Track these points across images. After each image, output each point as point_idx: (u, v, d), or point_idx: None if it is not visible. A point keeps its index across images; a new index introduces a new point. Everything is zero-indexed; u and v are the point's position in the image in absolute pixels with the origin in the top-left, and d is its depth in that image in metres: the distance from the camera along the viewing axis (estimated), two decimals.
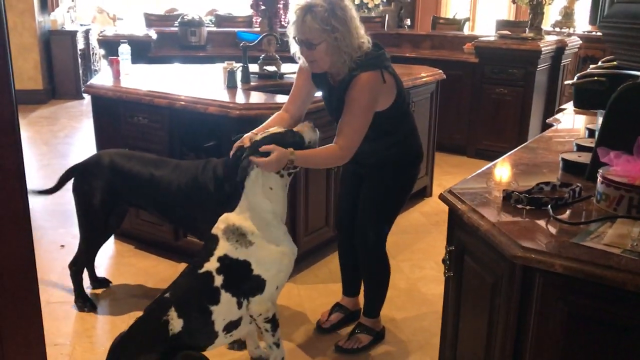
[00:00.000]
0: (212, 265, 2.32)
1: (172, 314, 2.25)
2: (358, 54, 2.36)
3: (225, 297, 2.31)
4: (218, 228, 2.39)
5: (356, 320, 2.93)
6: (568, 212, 1.68)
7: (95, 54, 9.47)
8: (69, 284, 3.36)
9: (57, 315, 3.11)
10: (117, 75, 3.98)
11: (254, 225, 2.34)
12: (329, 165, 2.84)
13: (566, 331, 1.42)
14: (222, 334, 2.34)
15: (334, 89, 2.51)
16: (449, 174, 5.38)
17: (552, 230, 1.56)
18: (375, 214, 2.67)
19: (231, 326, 2.35)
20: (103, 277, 3.46)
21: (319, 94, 2.70)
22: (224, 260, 2.32)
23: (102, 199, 3.00)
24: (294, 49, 2.45)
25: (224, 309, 2.31)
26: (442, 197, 1.90)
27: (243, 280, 2.33)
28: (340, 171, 3.03)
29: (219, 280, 2.30)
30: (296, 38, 2.37)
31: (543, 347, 1.48)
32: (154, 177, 2.97)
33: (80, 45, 8.89)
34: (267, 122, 2.58)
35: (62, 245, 3.92)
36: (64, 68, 8.63)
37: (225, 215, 2.40)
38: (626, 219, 1.58)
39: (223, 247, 2.33)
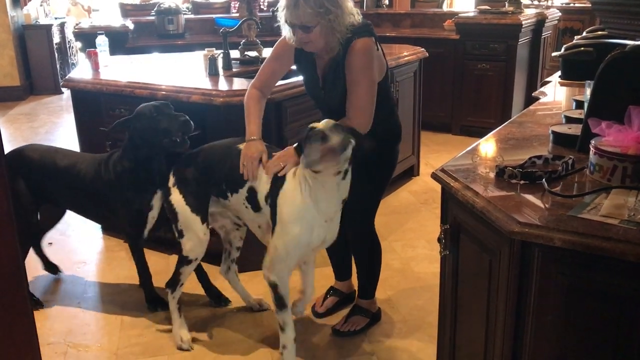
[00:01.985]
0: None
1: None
2: (350, 28, 2.36)
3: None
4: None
5: (352, 303, 2.92)
6: (562, 184, 1.67)
7: (72, 47, 9.32)
8: (60, 281, 3.33)
9: (49, 313, 3.07)
10: (95, 67, 3.90)
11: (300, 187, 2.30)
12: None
13: (567, 305, 1.42)
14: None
15: (327, 65, 2.48)
16: (435, 152, 5.38)
17: (548, 204, 1.55)
18: (361, 196, 2.65)
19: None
20: (53, 263, 3.49)
21: (297, 78, 2.73)
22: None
23: (20, 195, 2.99)
24: (286, 32, 2.43)
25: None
26: (434, 176, 1.89)
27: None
28: None
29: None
30: (288, 21, 2.35)
31: (544, 322, 1.47)
32: (61, 171, 2.99)
33: (56, 39, 8.73)
34: (248, 109, 2.59)
35: (50, 243, 3.86)
36: (40, 63, 8.48)
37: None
38: (621, 189, 1.57)
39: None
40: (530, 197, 1.59)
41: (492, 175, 1.76)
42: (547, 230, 1.40)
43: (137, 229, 2.93)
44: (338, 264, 3.02)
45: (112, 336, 2.87)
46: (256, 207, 2.47)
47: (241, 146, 2.51)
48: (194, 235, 2.62)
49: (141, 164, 2.83)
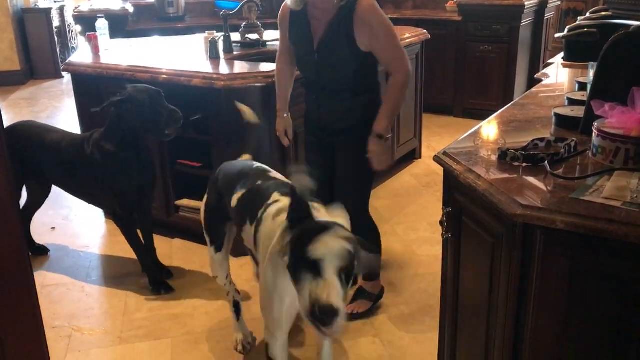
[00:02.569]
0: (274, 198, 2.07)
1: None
2: None
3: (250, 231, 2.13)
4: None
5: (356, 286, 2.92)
6: (564, 167, 1.66)
7: (72, 31, 9.27)
8: (63, 265, 3.34)
9: (53, 297, 3.09)
10: (96, 51, 3.88)
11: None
12: (405, 95, 2.57)
13: (569, 288, 1.42)
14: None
15: (324, 28, 2.45)
16: (437, 135, 5.36)
17: (550, 186, 1.54)
18: (357, 181, 2.64)
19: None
20: (41, 245, 3.55)
21: None
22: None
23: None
24: None
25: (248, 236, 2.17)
26: (436, 159, 1.88)
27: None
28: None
29: (260, 213, 2.06)
30: None
31: (546, 305, 1.47)
32: (47, 146, 3.05)
33: (56, 22, 8.68)
34: (279, 87, 2.75)
35: (53, 228, 3.88)
36: (40, 47, 8.44)
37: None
38: (624, 171, 1.57)
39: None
40: (532, 180, 1.59)
41: (494, 158, 1.75)
42: (549, 213, 1.39)
43: (122, 210, 2.95)
44: None
45: (116, 320, 2.89)
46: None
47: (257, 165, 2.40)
48: (209, 253, 2.55)
49: (124, 146, 2.86)
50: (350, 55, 2.44)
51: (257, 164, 2.41)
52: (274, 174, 2.32)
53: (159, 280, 3.07)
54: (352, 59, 2.45)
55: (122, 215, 2.99)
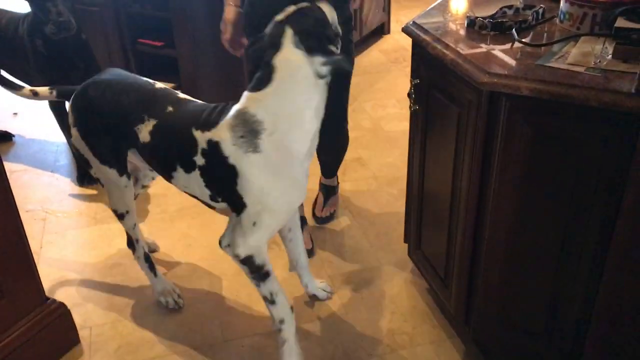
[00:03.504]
0: (200, 139, 1.73)
1: (148, 124, 1.83)
2: None
3: (197, 179, 1.80)
4: (238, 105, 1.72)
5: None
6: (532, 34, 1.66)
7: None
8: (30, 151, 3.31)
9: (23, 182, 3.09)
10: None
11: (279, 121, 1.66)
12: None
13: (531, 152, 1.47)
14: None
15: None
16: (407, 9, 5.25)
17: (517, 54, 1.55)
18: (347, 100, 2.44)
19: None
20: (4, 130, 3.51)
21: None
22: (213, 147, 1.71)
23: None
24: None
25: (188, 183, 1.84)
26: (405, 30, 1.86)
27: (222, 186, 1.77)
28: None
29: (199, 160, 1.75)
30: None
31: (508, 170, 1.53)
32: None
33: None
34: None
35: (15, 113, 3.80)
36: None
37: (250, 94, 1.69)
38: (589, 36, 1.58)
39: (221, 132, 1.69)
40: (500, 48, 1.59)
41: (462, 29, 1.74)
42: (514, 80, 1.41)
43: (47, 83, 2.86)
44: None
45: (90, 202, 2.92)
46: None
47: (159, 85, 1.94)
48: (115, 186, 2.05)
49: (44, 31, 2.72)
50: None
51: (150, 80, 1.97)
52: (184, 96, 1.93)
53: (83, 172, 3.01)
54: None
55: (53, 104, 2.90)
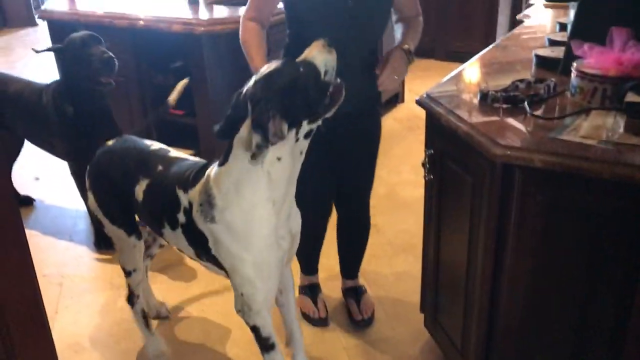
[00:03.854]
0: (182, 198, 1.77)
1: (142, 183, 1.91)
2: None
3: (181, 237, 1.83)
4: (209, 172, 1.73)
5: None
6: (544, 107, 1.70)
7: None
8: (50, 215, 3.36)
9: (41, 247, 3.12)
10: None
11: (228, 200, 1.65)
12: None
13: (545, 223, 1.48)
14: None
15: None
16: (419, 78, 5.36)
17: (530, 126, 1.58)
18: (372, 173, 2.31)
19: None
20: (26, 195, 3.54)
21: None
22: (189, 207, 1.75)
23: None
24: None
25: (176, 240, 1.89)
26: (419, 102, 1.91)
27: (201, 246, 1.79)
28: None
29: (182, 218, 1.79)
30: None
31: (523, 239, 1.54)
32: (10, 97, 2.99)
33: None
34: (248, 43, 2.02)
35: (37, 178, 3.88)
36: None
37: (217, 167, 1.70)
38: (600, 110, 1.61)
39: (194, 194, 1.73)
40: (512, 121, 1.63)
41: (475, 100, 1.78)
42: (527, 152, 1.44)
43: (77, 163, 2.90)
44: (309, 254, 2.52)
45: (106, 267, 2.94)
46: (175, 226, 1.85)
47: (155, 146, 2.02)
48: (125, 245, 2.12)
49: (75, 96, 2.78)
50: (388, 2, 2.04)
51: (150, 142, 2.06)
52: (175, 152, 2.00)
53: (101, 236, 3.04)
54: (389, 6, 2.05)
55: (74, 169, 2.96)
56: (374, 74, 1.99)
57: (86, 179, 2.11)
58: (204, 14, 3.38)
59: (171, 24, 3.20)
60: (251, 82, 1.55)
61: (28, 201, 3.54)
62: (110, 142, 2.11)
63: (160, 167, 1.90)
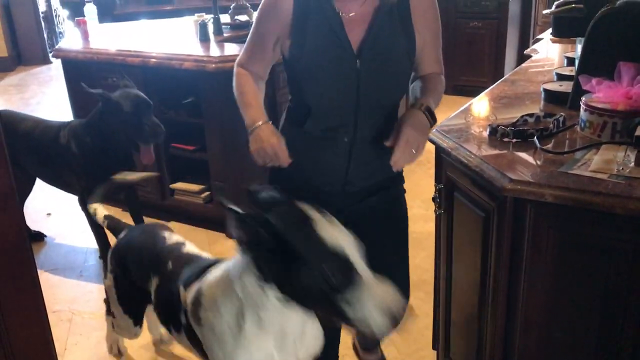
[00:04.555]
0: (183, 297, 1.66)
1: (154, 281, 1.87)
2: None
3: (184, 337, 1.72)
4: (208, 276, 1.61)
5: None
6: (553, 142, 1.70)
7: (59, 16, 9.18)
8: (61, 251, 3.36)
9: (51, 282, 3.12)
10: (85, 36, 3.87)
11: (213, 303, 1.52)
12: None
13: (559, 258, 1.46)
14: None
15: (369, 15, 1.60)
16: None
17: (540, 161, 1.58)
18: (406, 266, 1.91)
19: None
20: (37, 231, 3.54)
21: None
22: (186, 308, 1.65)
23: None
24: None
25: (181, 340, 1.79)
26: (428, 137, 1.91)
27: (201, 350, 1.66)
28: None
29: (183, 319, 1.67)
30: None
31: (537, 275, 1.52)
32: (20, 135, 3.01)
33: (42, 7, 8.60)
34: (240, 91, 1.76)
35: (49, 214, 3.90)
36: (27, 32, 8.37)
37: (212, 277, 1.58)
38: (610, 144, 1.60)
39: (190, 295, 1.63)
40: (522, 155, 1.62)
41: (485, 134, 1.79)
42: (538, 187, 1.43)
43: (85, 186, 2.93)
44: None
45: None
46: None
47: (173, 239, 1.95)
48: (126, 329, 2.19)
49: (103, 143, 2.82)
50: (408, 58, 1.67)
51: (168, 234, 1.98)
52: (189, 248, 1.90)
53: None
54: (409, 63, 1.68)
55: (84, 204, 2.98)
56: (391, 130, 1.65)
57: (108, 260, 2.13)
58: (214, 51, 3.44)
59: (183, 61, 3.24)
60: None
61: (39, 237, 3.56)
62: (131, 231, 2.12)
63: (170, 266, 1.81)
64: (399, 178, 1.82)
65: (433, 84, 1.75)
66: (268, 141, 1.63)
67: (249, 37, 1.76)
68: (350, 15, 1.60)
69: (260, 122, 1.66)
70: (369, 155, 1.69)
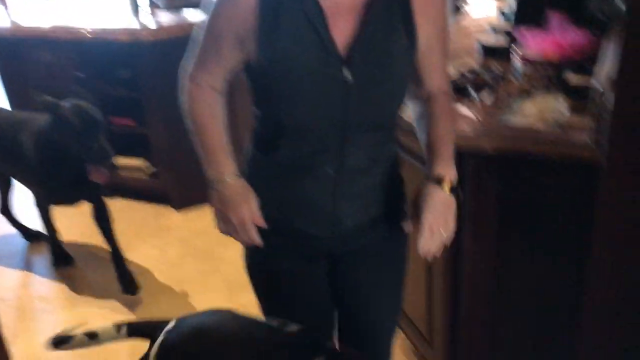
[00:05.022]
0: None
1: None
2: None
3: None
4: None
5: None
6: (491, 95, 1.73)
7: None
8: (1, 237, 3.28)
9: None
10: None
11: None
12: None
13: (499, 208, 1.51)
14: None
15: (361, 13, 1.17)
16: None
17: (479, 114, 1.61)
18: (397, 309, 1.55)
19: None
20: (37, 230, 3.36)
21: None
22: None
23: None
24: None
25: None
26: None
27: None
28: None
29: None
30: None
31: (479, 225, 1.56)
32: None
33: None
34: (198, 122, 1.32)
35: None
36: None
37: None
38: (545, 94, 1.65)
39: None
40: (461, 110, 1.65)
41: None
42: (477, 140, 1.46)
43: (41, 201, 2.84)
44: None
45: (64, 285, 2.87)
46: None
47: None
48: None
49: (54, 153, 2.62)
50: (409, 64, 1.25)
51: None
52: None
53: (59, 254, 3.02)
54: (410, 70, 1.26)
55: (40, 204, 2.89)
56: (394, 178, 1.36)
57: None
58: (149, 22, 3.33)
59: (117, 35, 3.14)
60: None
61: (39, 237, 3.33)
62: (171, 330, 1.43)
63: None
64: (398, 212, 1.39)
65: (445, 122, 1.30)
66: (235, 209, 1.27)
67: (200, 41, 1.28)
68: (336, 6, 1.17)
69: (226, 176, 1.29)
70: (361, 188, 1.30)
